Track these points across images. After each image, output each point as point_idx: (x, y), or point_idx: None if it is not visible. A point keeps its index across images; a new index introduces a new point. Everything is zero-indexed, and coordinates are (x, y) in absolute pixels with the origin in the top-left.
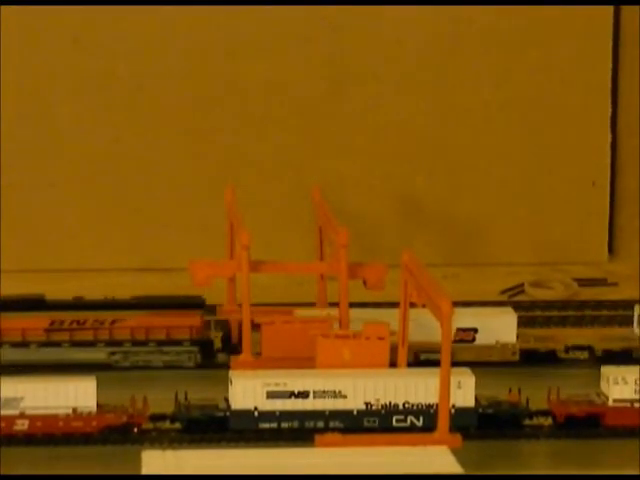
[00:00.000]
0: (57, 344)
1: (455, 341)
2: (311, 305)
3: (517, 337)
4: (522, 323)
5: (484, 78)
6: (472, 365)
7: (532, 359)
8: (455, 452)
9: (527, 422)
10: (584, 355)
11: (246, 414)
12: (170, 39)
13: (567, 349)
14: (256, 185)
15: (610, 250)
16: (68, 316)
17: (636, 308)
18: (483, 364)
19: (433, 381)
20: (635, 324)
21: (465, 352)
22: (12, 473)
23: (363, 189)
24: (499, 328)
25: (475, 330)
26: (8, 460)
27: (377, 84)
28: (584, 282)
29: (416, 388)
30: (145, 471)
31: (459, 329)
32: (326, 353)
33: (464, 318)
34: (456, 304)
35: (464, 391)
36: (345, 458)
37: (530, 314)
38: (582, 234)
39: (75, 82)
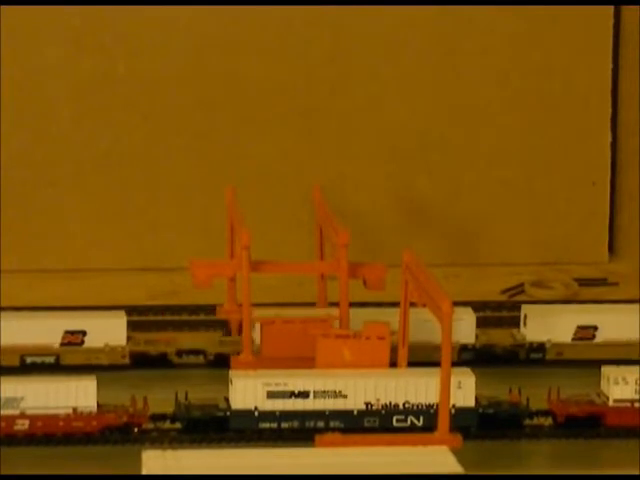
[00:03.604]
0: None
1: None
2: (311, 305)
3: (128, 339)
4: (136, 326)
5: (484, 78)
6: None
7: (143, 362)
8: (455, 452)
9: (527, 422)
10: (199, 359)
11: (246, 414)
12: (170, 39)
13: (180, 353)
14: (256, 185)
15: (610, 250)
16: None
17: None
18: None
19: (433, 381)
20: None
21: (74, 355)
22: (12, 473)
23: (363, 189)
24: (109, 330)
25: (84, 333)
26: (8, 460)
27: (377, 84)
28: (584, 282)
29: (416, 388)
30: (145, 471)
31: (67, 331)
32: (326, 353)
33: (72, 321)
34: (456, 304)
35: (464, 391)
36: (345, 458)
37: (143, 318)
38: (582, 234)
39: (75, 82)
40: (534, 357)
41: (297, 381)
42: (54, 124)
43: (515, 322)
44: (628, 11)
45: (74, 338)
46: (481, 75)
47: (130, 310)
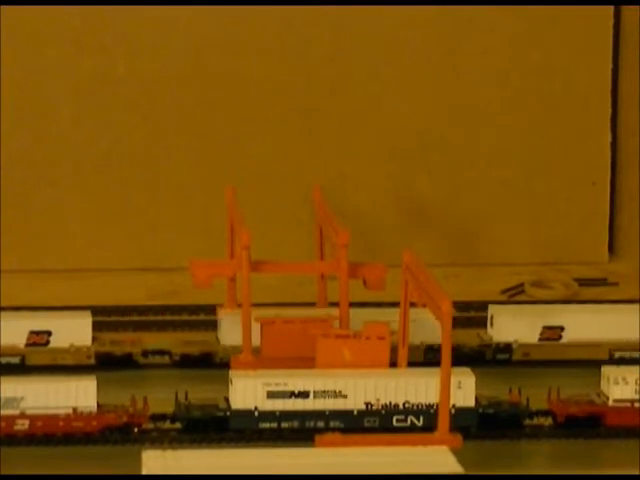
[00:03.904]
0: None
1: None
2: (311, 305)
3: (93, 340)
4: (101, 327)
5: (484, 78)
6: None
7: (108, 362)
8: (455, 452)
9: (527, 422)
10: (164, 360)
11: (246, 414)
12: (170, 39)
13: (145, 353)
14: (256, 185)
15: (610, 250)
16: None
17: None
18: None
19: (433, 381)
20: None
21: (39, 355)
22: (12, 473)
23: (364, 189)
24: (74, 330)
25: (49, 333)
26: (8, 460)
27: (377, 84)
28: (584, 282)
29: (416, 388)
30: (145, 471)
31: (32, 332)
32: (326, 353)
33: (37, 321)
34: (456, 304)
35: (464, 391)
36: (345, 458)
37: (109, 319)
38: (582, 234)
39: (75, 82)
40: (500, 358)
41: (297, 381)
42: (54, 124)
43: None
44: (628, 11)
45: (39, 338)
46: (481, 75)
47: (131, 310)
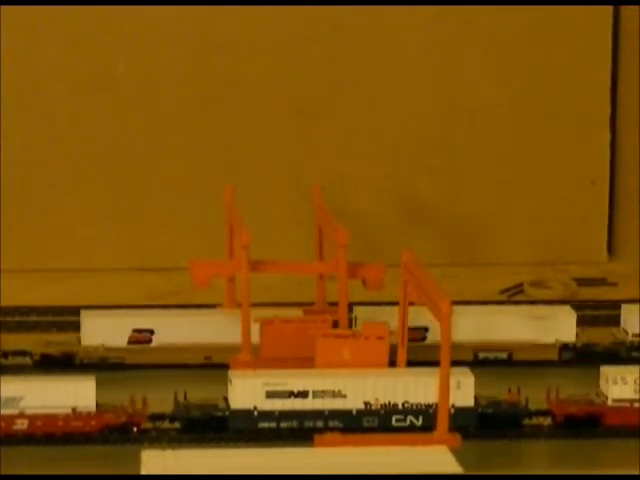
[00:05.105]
0: None
1: None
2: (311, 305)
3: None
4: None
5: (484, 78)
6: None
7: None
8: (454, 452)
9: (526, 422)
10: (25, 360)
11: (245, 414)
12: (170, 39)
13: (5, 354)
14: (256, 185)
15: (609, 250)
16: None
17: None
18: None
19: (432, 381)
20: None
21: None
22: (11, 473)
23: (363, 189)
24: None
25: None
26: (7, 460)
27: (377, 84)
28: (584, 282)
29: (415, 388)
30: (145, 471)
31: None
32: (325, 353)
33: None
34: (456, 303)
35: (463, 391)
36: (344, 458)
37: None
38: (582, 234)
39: (75, 82)
40: None
41: (296, 381)
42: (54, 124)
43: None
44: (628, 11)
45: None
46: (481, 75)
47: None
